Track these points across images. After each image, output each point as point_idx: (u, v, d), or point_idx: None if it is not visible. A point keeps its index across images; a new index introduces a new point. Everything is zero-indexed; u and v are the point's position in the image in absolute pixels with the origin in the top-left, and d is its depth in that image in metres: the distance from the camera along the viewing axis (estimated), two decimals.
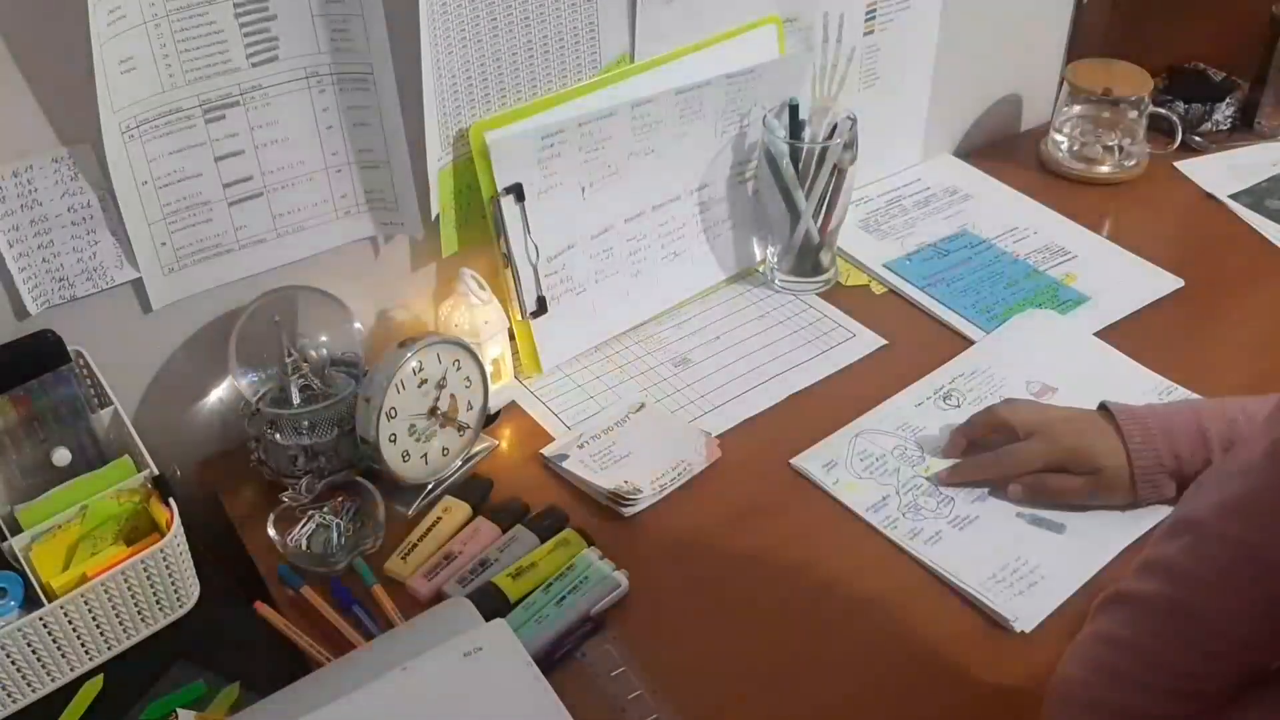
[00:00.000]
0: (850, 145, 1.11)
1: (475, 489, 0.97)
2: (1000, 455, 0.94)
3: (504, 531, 0.92)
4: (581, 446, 1.00)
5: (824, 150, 1.11)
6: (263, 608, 0.87)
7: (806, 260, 1.18)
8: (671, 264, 1.15)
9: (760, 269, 1.22)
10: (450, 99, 0.97)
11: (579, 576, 0.87)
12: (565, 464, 0.98)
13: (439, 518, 0.94)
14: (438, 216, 1.02)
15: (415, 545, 0.91)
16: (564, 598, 0.85)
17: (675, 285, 1.17)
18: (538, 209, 1.03)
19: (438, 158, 0.98)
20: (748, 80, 1.11)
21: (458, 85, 0.97)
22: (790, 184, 1.13)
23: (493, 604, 0.85)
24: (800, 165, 1.12)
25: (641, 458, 0.98)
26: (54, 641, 0.81)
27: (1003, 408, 0.96)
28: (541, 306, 1.07)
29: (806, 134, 1.14)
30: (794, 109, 1.13)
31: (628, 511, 0.94)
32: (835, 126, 1.13)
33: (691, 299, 1.18)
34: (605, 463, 0.98)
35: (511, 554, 0.90)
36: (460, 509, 0.94)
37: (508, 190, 1.01)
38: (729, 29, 1.11)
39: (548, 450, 1.00)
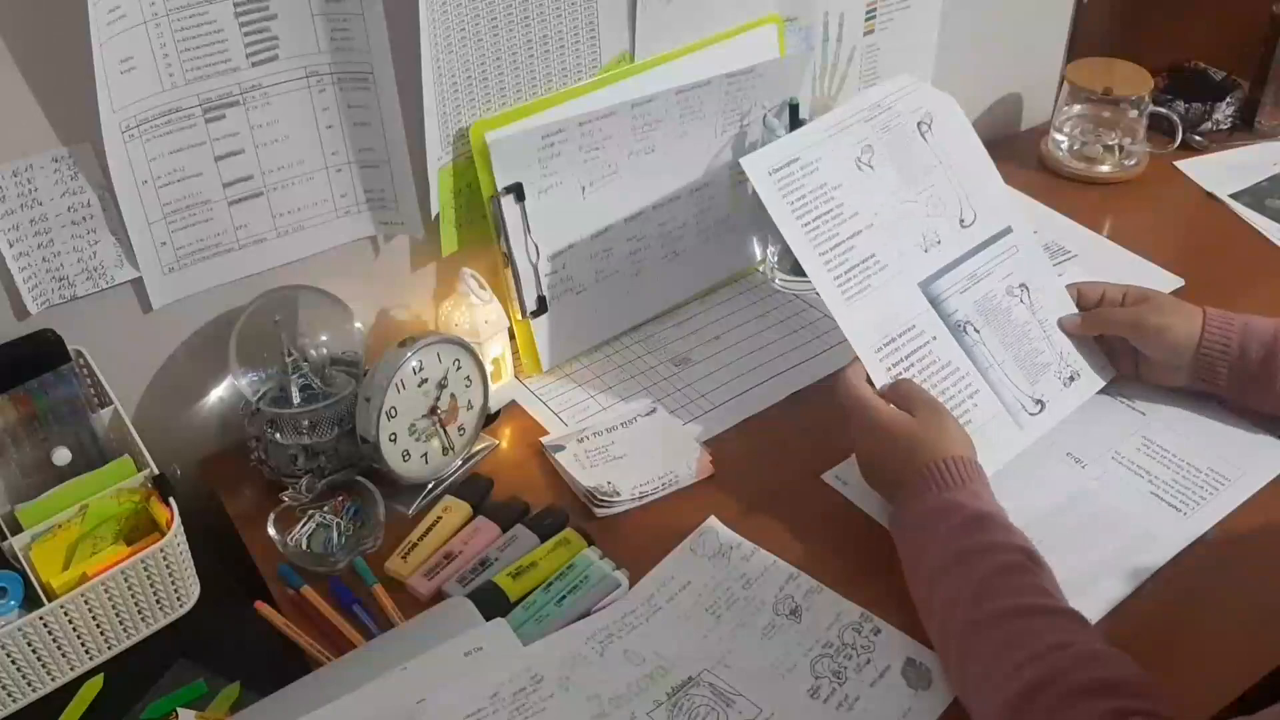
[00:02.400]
0: None
1: (476, 488, 0.97)
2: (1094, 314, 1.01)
3: (504, 531, 0.92)
4: (581, 441, 1.00)
5: None
6: (263, 607, 0.87)
7: None
8: (672, 263, 1.15)
9: (760, 268, 1.22)
10: (450, 98, 0.97)
11: (579, 576, 0.87)
12: (559, 455, 0.98)
13: (439, 517, 0.94)
14: (437, 215, 1.02)
15: (415, 545, 0.91)
16: (564, 598, 0.85)
17: (675, 285, 1.17)
18: (538, 208, 1.03)
19: (437, 157, 0.98)
20: (748, 79, 1.11)
21: (458, 84, 0.97)
22: None
23: (493, 603, 0.85)
24: None
25: (634, 462, 0.98)
26: (54, 641, 0.81)
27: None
28: (542, 306, 1.07)
29: None
30: (794, 108, 1.13)
31: (600, 512, 0.94)
32: None
33: (691, 299, 1.18)
34: (597, 461, 0.98)
35: (512, 553, 0.90)
36: (460, 508, 0.94)
37: (508, 190, 1.01)
38: (729, 28, 1.11)
39: (547, 439, 1.01)
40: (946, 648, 0.78)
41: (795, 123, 1.13)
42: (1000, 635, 0.73)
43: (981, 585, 0.76)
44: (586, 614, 0.85)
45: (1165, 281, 1.18)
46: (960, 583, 0.77)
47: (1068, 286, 1.04)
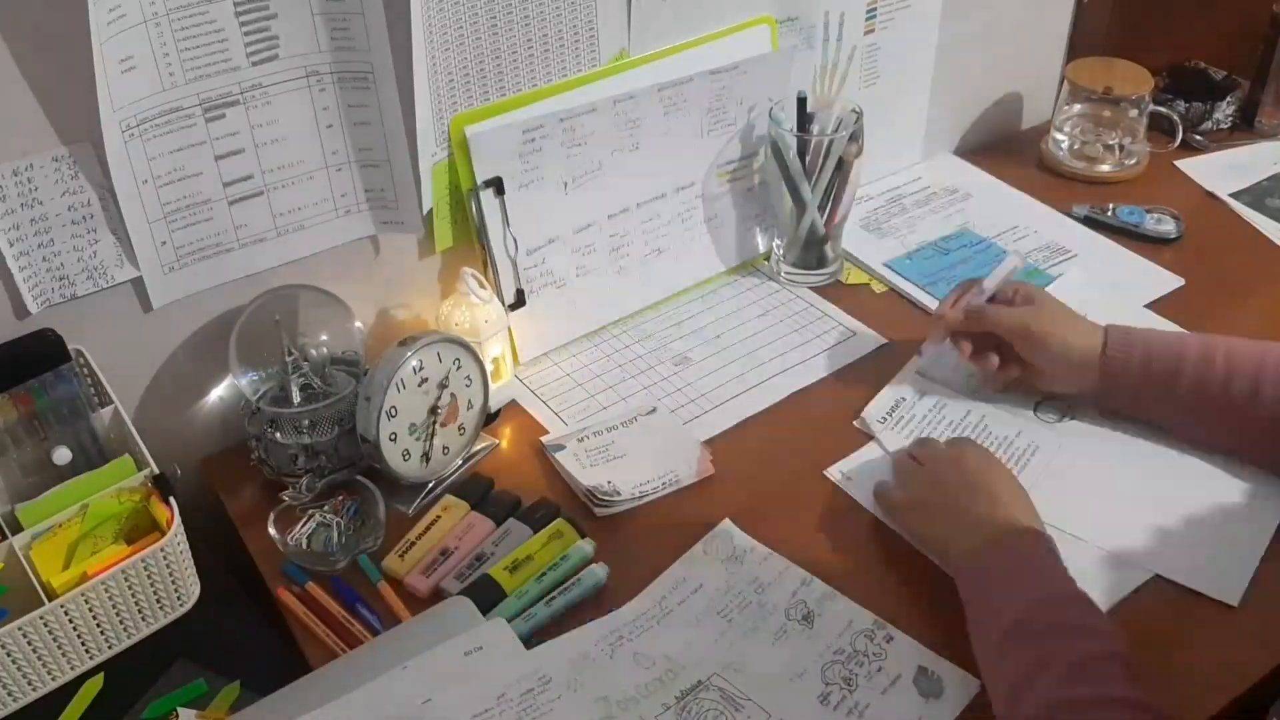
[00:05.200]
0: (856, 138, 1.12)
1: (475, 488, 0.97)
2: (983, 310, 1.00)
3: (498, 525, 0.93)
4: (581, 440, 1.00)
5: (830, 143, 1.11)
6: (285, 595, 0.87)
7: (811, 253, 1.18)
8: (655, 260, 1.15)
9: (767, 260, 1.22)
10: (446, 95, 0.97)
11: (583, 587, 0.86)
12: (559, 455, 0.98)
13: (438, 516, 0.94)
14: (430, 211, 1.02)
15: (413, 543, 0.91)
16: (554, 598, 0.85)
17: (659, 281, 1.17)
18: (518, 203, 1.03)
19: (431, 153, 0.98)
20: (732, 76, 1.11)
21: (454, 81, 0.97)
22: (796, 176, 1.13)
23: (490, 597, 0.85)
24: (807, 158, 1.12)
25: (634, 461, 0.98)
26: (55, 640, 0.81)
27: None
28: (520, 299, 1.07)
29: (815, 127, 1.14)
30: (802, 101, 1.13)
31: (600, 511, 0.94)
32: (840, 120, 1.13)
33: (691, 299, 1.18)
34: (597, 460, 0.98)
35: (506, 547, 0.90)
36: (459, 508, 0.94)
37: (487, 184, 1.01)
38: (725, 28, 1.11)
39: (547, 439, 1.01)
40: (1017, 699, 0.73)
41: (802, 115, 1.14)
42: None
43: (1079, 665, 0.72)
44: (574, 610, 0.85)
45: (1166, 282, 1.18)
46: (1054, 654, 0.73)
47: (957, 285, 1.04)
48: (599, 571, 0.87)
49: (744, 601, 0.85)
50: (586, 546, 0.89)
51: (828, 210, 1.15)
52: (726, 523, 0.92)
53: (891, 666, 0.80)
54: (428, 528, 0.93)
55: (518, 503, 0.95)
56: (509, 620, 0.83)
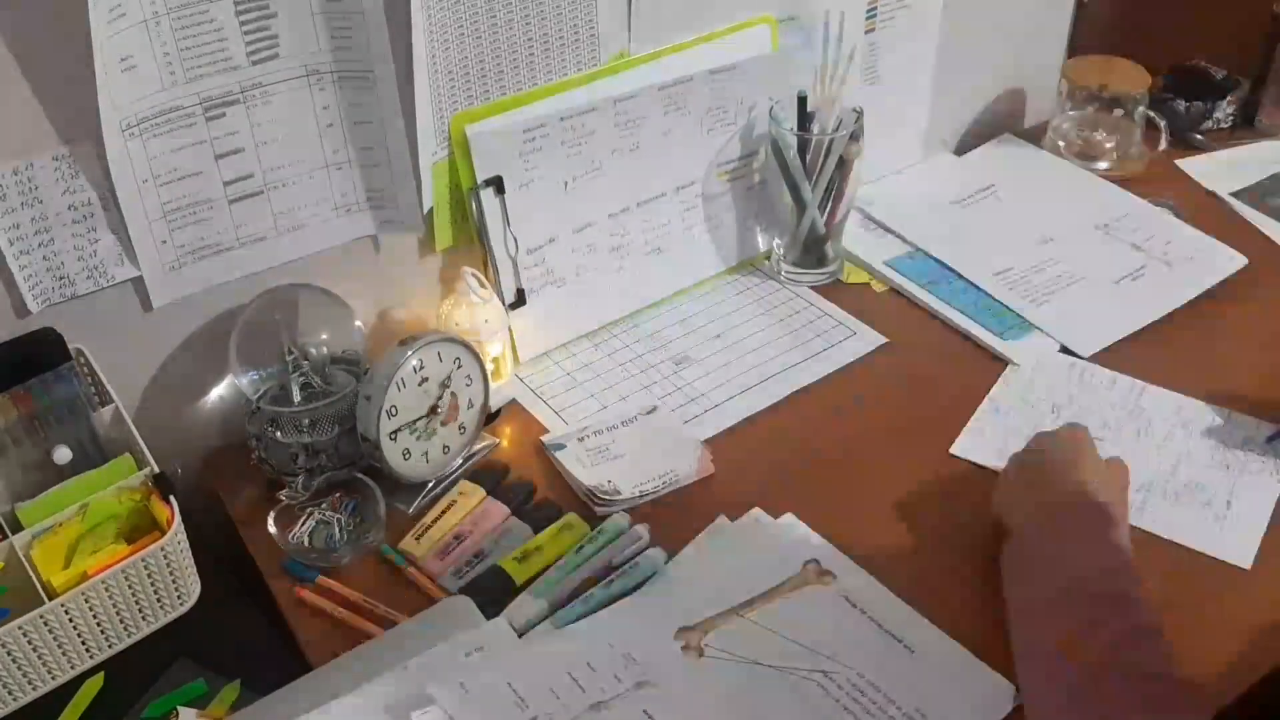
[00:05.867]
0: (856, 137, 1.12)
1: (490, 474, 0.98)
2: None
3: (513, 511, 0.94)
4: (581, 440, 1.00)
5: (831, 142, 1.11)
6: (305, 594, 0.88)
7: (812, 252, 1.18)
8: (655, 259, 1.15)
9: (768, 259, 1.22)
10: (447, 94, 0.97)
11: (641, 571, 0.87)
12: (560, 454, 0.99)
13: (453, 501, 0.94)
14: (431, 210, 1.02)
15: (429, 527, 0.92)
16: (612, 582, 0.86)
17: (658, 281, 1.17)
18: (518, 202, 1.03)
19: (431, 151, 0.98)
20: (732, 76, 1.11)
21: (454, 80, 0.97)
22: (797, 175, 1.13)
23: (499, 586, 0.86)
24: (807, 157, 1.12)
25: (634, 460, 0.98)
26: (55, 639, 0.81)
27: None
28: (520, 299, 1.07)
29: (815, 126, 1.14)
30: (802, 100, 1.13)
31: (600, 511, 0.94)
32: (841, 119, 1.13)
33: (691, 299, 1.18)
34: (598, 459, 0.98)
35: (507, 544, 0.90)
36: (475, 493, 0.95)
37: (487, 183, 1.01)
38: (725, 28, 1.11)
39: (547, 438, 1.01)
40: (1062, 665, 0.74)
41: (802, 115, 1.14)
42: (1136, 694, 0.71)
43: (1134, 635, 0.74)
44: (608, 564, 0.86)
45: None
46: (1112, 622, 0.75)
47: None
48: (656, 556, 0.87)
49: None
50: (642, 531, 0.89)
51: (828, 209, 1.15)
52: (721, 519, 0.92)
53: None
54: (443, 511, 0.94)
55: (533, 489, 0.96)
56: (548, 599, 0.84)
